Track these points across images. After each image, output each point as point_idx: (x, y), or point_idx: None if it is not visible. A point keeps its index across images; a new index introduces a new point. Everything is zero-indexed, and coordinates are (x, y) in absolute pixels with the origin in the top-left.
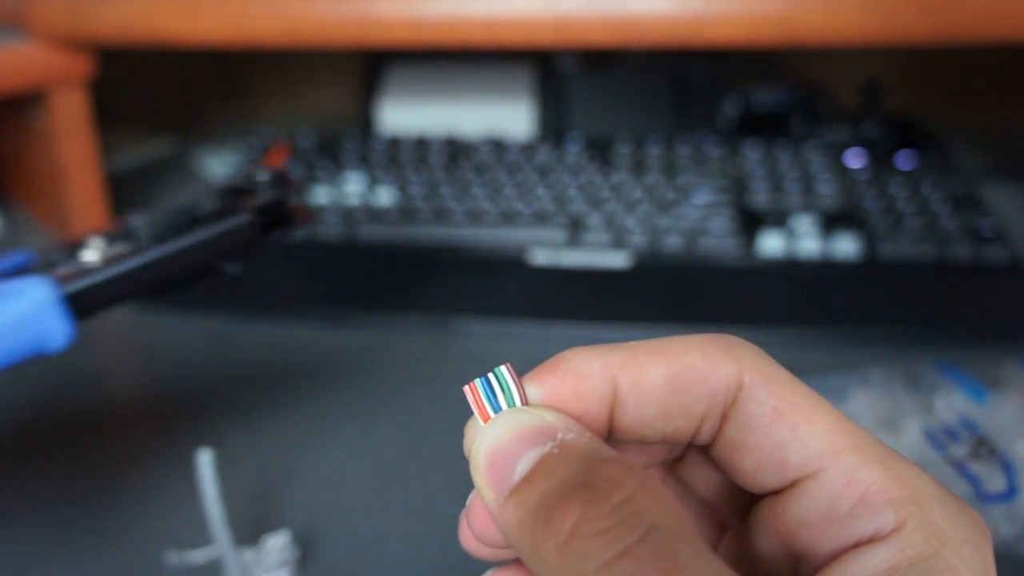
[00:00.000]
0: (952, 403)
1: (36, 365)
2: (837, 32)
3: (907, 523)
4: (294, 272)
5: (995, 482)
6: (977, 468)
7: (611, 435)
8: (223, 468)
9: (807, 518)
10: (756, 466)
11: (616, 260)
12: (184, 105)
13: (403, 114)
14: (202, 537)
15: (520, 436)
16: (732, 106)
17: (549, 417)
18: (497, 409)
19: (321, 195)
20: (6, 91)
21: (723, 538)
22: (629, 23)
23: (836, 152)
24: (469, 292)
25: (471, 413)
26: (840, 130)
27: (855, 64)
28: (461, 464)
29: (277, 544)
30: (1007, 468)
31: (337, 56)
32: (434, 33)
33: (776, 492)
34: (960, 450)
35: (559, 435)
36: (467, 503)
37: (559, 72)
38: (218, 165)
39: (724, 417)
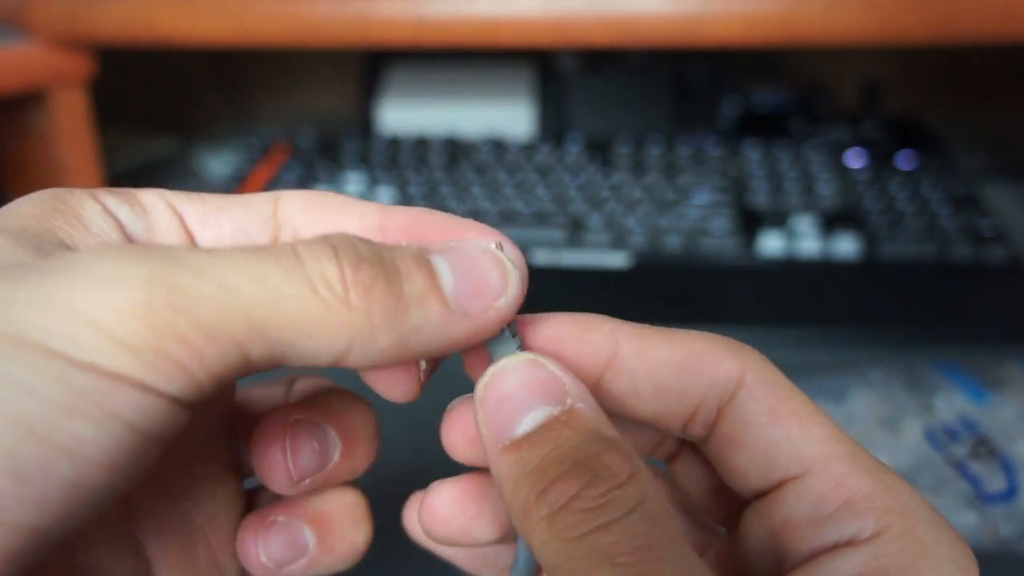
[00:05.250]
0: (952, 403)
1: None
2: (837, 32)
3: (887, 531)
4: None
5: (995, 482)
6: (977, 468)
7: (598, 400)
8: None
9: (791, 518)
10: (746, 463)
11: (616, 260)
12: (184, 105)
13: (403, 114)
14: None
15: (532, 389)
16: (732, 106)
17: (563, 378)
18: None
19: None
20: (6, 91)
21: (713, 547)
22: (629, 23)
23: (836, 152)
24: None
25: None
26: (840, 130)
27: (855, 64)
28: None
29: None
30: (1007, 468)
31: (337, 56)
32: (434, 33)
33: (764, 494)
34: (960, 450)
35: (568, 400)
36: (450, 407)
37: (559, 72)
38: (218, 165)
39: (720, 412)
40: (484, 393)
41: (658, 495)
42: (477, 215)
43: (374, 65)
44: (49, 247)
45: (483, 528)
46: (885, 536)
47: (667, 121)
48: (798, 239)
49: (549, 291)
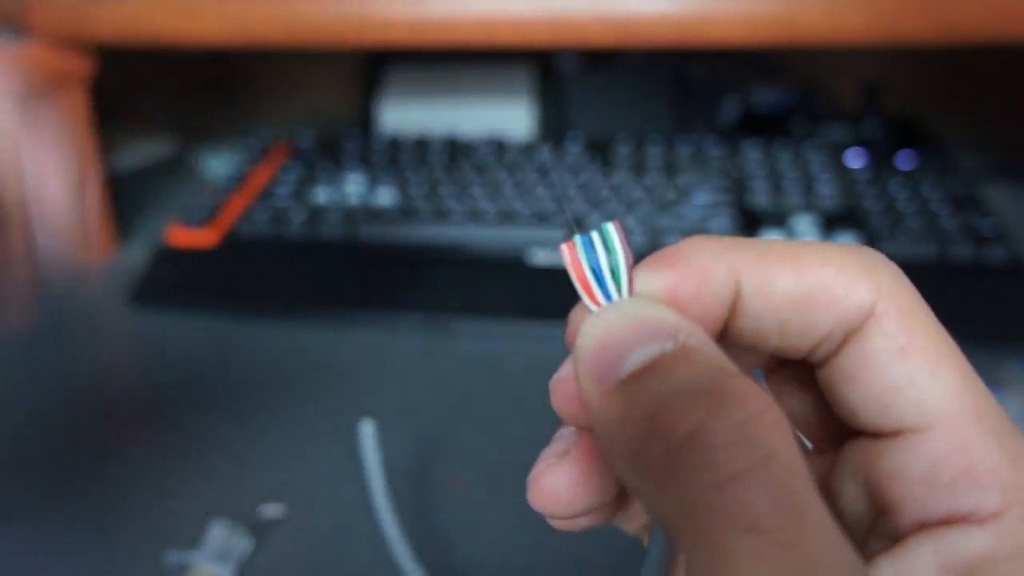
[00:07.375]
0: None
1: (34, 364)
2: (837, 32)
3: (1011, 510)
4: (294, 272)
5: None
6: None
7: (719, 338)
8: (220, 465)
9: (902, 473)
10: (861, 402)
11: None
12: (184, 105)
13: (403, 114)
14: (200, 536)
15: (638, 328)
16: (732, 106)
17: (671, 316)
18: (596, 269)
19: (321, 195)
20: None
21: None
22: (629, 23)
23: (836, 152)
24: (469, 292)
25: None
26: (840, 130)
27: (855, 64)
28: (455, 460)
29: (220, 534)
30: None
31: (337, 56)
32: (434, 33)
33: (873, 435)
34: None
35: (681, 336)
36: (555, 376)
37: (559, 72)
38: (218, 165)
39: (844, 341)
40: (582, 341)
41: (792, 436)
42: (477, 215)
43: (374, 65)
44: None
45: (609, 492)
46: (1009, 515)
47: (667, 121)
48: (798, 239)
49: (549, 291)
